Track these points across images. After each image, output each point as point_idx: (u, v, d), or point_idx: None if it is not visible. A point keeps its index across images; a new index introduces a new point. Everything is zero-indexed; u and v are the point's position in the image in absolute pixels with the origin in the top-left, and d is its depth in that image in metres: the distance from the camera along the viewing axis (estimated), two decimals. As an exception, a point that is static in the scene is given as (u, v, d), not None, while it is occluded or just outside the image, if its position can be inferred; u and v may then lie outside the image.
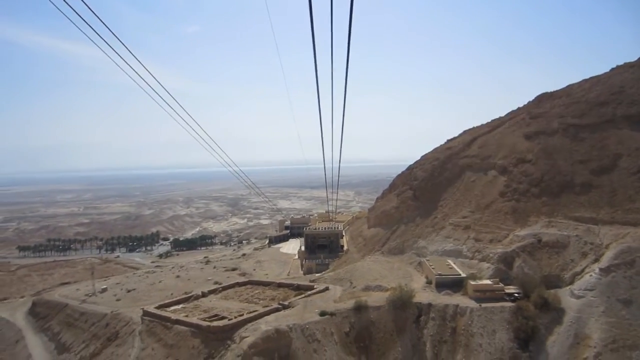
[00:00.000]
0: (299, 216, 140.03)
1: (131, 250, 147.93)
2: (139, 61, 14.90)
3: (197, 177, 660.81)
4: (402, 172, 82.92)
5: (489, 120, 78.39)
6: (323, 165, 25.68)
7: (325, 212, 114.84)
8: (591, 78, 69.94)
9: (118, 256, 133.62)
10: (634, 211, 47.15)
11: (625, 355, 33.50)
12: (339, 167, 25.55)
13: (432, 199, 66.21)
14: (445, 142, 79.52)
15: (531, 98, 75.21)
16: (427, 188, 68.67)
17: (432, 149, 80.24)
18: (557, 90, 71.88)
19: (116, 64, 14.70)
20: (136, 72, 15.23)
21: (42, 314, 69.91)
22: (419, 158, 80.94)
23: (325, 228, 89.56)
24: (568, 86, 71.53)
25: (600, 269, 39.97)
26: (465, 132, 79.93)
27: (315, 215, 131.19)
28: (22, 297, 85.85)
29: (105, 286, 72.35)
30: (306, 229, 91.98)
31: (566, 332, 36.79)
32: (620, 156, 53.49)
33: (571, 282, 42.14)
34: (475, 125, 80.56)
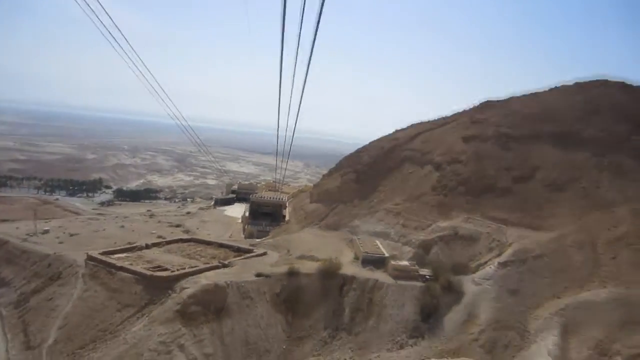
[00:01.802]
0: (246, 182, 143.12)
1: (71, 194, 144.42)
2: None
3: (145, 126, 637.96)
4: (350, 154, 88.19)
5: (436, 118, 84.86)
6: (277, 133, 25.54)
7: (273, 180, 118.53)
8: (531, 94, 77.44)
9: (57, 199, 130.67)
10: (539, 217, 54.64)
11: (503, 334, 40.61)
12: (292, 136, 25.39)
13: (372, 184, 72.05)
14: (393, 132, 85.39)
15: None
16: (369, 173, 74.38)
17: (379, 138, 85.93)
18: (499, 100, 78.91)
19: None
20: (88, 6, 14.37)
21: (-23, 247, 69.67)
22: (367, 143, 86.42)
23: (270, 197, 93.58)
24: (510, 98, 78.65)
25: (499, 263, 46.98)
26: (412, 125, 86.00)
27: (263, 183, 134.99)
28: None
29: (47, 228, 72.99)
30: (252, 196, 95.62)
31: (461, 311, 43.65)
32: (538, 168, 60.90)
33: (475, 271, 49.03)
34: (423, 121, 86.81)
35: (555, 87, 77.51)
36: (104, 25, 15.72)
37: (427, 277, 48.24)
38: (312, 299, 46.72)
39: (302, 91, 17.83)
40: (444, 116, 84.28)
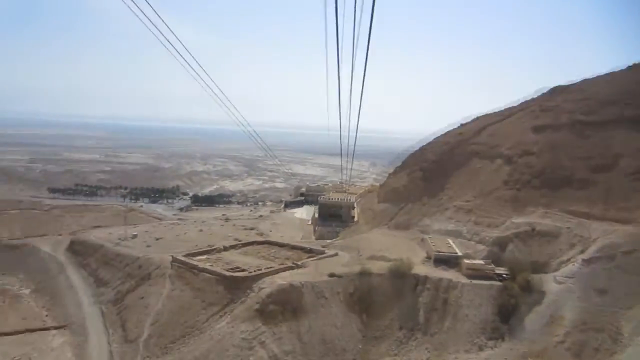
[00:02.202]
0: (314, 184, 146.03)
1: (153, 201, 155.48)
2: (155, 11, 14.62)
3: (215, 134, 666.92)
4: (415, 152, 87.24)
5: (502, 109, 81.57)
6: (340, 133, 24.91)
7: (339, 182, 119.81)
8: (605, 75, 72.01)
9: (141, 206, 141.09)
10: (625, 210, 50.97)
11: (592, 337, 38.38)
12: (356, 135, 25.03)
13: (440, 181, 70.79)
14: (458, 127, 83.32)
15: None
16: (435, 170, 73.16)
17: (443, 134, 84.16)
18: (571, 85, 74.19)
19: (132, 10, 14.21)
20: (151, 21, 15.01)
21: (80, 251, 77.14)
22: (432, 139, 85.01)
23: (338, 199, 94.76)
24: (583, 81, 73.70)
25: (583, 260, 44.50)
26: (477, 119, 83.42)
27: (330, 184, 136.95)
28: (59, 234, 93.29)
29: (135, 233, 79.22)
30: (321, 197, 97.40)
31: (543, 311, 41.89)
32: (620, 156, 56.64)
33: (556, 270, 46.74)
34: (488, 113, 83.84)
35: (634, 64, 70.92)
36: (169, 42, 16.41)
37: (504, 276, 46.80)
38: (385, 299, 46.95)
39: (362, 89, 17.89)
40: (509, 107, 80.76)
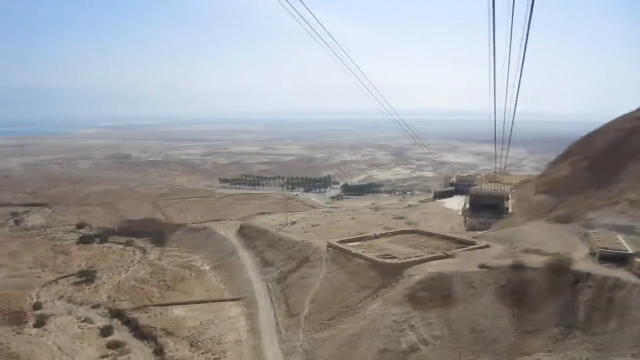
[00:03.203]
0: (465, 174, 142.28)
1: (307, 190, 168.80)
2: (307, 9, 16.21)
3: (364, 124, 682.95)
4: (580, 140, 79.79)
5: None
6: (494, 119, 23.20)
7: (493, 171, 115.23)
8: None
9: (297, 195, 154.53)
10: None
11: None
12: (513, 121, 23.02)
13: (610, 172, 64.19)
14: (636, 111, 73.64)
15: None
16: (604, 159, 66.38)
17: (615, 119, 75.21)
18: None
19: (286, 9, 16.11)
20: (303, 18, 16.81)
21: (248, 235, 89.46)
22: (601, 125, 76.79)
23: (491, 190, 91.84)
24: None
25: None
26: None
27: (483, 174, 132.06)
28: (231, 220, 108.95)
29: (295, 219, 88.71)
30: (472, 188, 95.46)
31: None
32: None
33: None
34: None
35: None
36: (319, 36, 18.46)
37: (687, 279, 41.70)
38: (540, 294, 45.63)
39: (521, 71, 16.66)
40: None
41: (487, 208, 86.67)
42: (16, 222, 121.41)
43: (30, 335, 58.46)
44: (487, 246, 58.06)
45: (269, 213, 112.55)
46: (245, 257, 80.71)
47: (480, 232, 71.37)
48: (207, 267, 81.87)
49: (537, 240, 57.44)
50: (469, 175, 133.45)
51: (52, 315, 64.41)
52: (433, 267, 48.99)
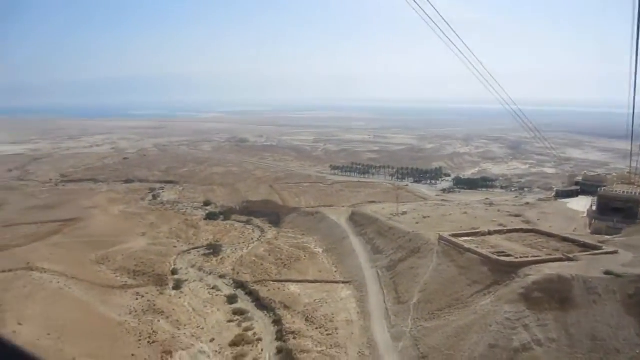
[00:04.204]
0: (593, 172, 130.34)
1: (417, 181, 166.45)
2: None
3: (477, 114, 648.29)
4: None
5: None
6: (632, 112, 20.63)
7: (627, 171, 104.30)
8: None
9: (407, 185, 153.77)
10: None
11: None
12: None
13: None
14: None
15: None
16: None
17: None
18: None
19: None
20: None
21: (359, 222, 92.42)
22: None
23: (623, 192, 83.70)
24: None
25: None
26: None
27: (614, 173, 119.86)
28: (342, 206, 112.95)
29: (405, 210, 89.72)
30: (601, 189, 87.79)
31: None
32: None
33: None
34: None
35: None
36: (436, 24, 18.15)
37: None
38: (676, 308, 42.07)
39: None
40: None
41: (617, 211, 79.45)
42: (153, 196, 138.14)
43: (170, 296, 67.94)
44: (615, 252, 53.99)
45: (379, 202, 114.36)
46: (356, 243, 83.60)
47: (607, 237, 66.08)
48: (320, 250, 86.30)
49: (677, 250, 52.27)
50: (598, 174, 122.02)
51: (187, 280, 73.89)
52: (551, 269, 47.26)
